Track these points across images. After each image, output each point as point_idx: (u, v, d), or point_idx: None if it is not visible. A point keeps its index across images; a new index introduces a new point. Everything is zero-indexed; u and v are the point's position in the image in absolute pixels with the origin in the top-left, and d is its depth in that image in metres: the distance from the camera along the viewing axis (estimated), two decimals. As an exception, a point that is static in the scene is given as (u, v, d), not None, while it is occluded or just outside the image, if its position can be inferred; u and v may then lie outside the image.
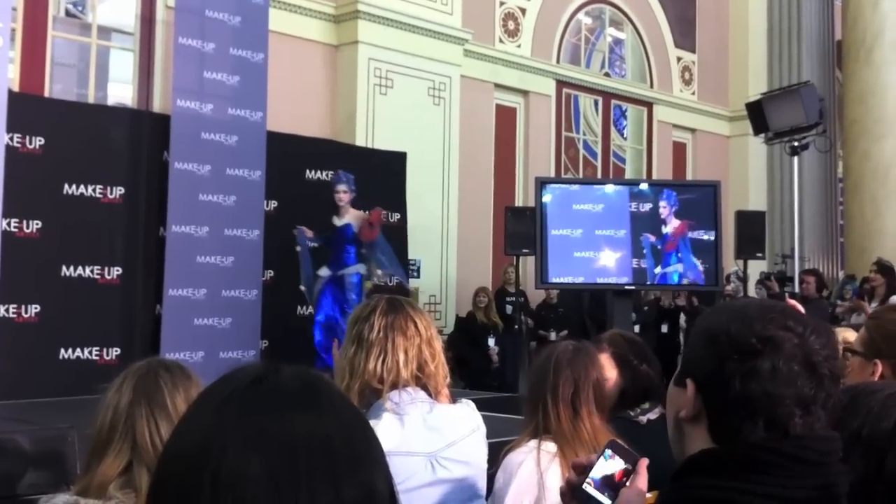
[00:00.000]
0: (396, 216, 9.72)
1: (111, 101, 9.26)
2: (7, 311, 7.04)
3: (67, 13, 9.30)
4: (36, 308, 7.23)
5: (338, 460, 0.80)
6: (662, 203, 8.33)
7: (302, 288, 8.15)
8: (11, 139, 7.15)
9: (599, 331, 8.85)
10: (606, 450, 1.38)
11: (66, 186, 7.50)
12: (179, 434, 0.85)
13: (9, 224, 7.08)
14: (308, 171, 9.06)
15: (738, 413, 1.19)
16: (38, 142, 7.38)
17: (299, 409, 0.82)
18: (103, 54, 9.39)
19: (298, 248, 8.11)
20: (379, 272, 8.14)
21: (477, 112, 11.58)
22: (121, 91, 9.34)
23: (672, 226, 8.30)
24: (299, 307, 8.80)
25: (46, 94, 8.39)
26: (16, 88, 7.91)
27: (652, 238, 8.29)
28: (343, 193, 7.97)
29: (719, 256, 8.21)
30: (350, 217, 7.95)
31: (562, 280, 8.36)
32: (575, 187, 9.15)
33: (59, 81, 8.88)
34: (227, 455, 0.78)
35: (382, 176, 9.63)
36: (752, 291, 10.56)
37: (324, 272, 7.97)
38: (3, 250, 6.85)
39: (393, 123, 10.19)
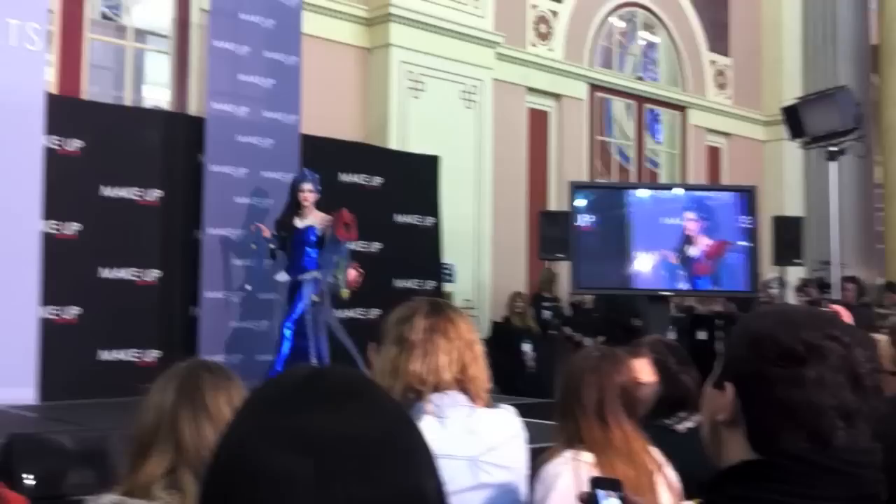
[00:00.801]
0: (430, 220, 9.72)
1: (147, 104, 9.35)
2: (47, 312, 7.10)
3: (103, 16, 9.40)
4: (75, 310, 7.30)
5: (386, 461, 0.80)
6: (690, 215, 8.11)
7: (247, 287, 7.85)
8: (49, 141, 7.23)
9: (626, 335, 8.82)
10: (595, 491, 1.36)
11: (104, 188, 7.57)
12: (228, 435, 0.85)
13: (48, 225, 7.16)
14: (341, 174, 9.08)
15: (778, 420, 1.17)
16: (77, 144, 7.46)
17: (348, 410, 0.82)
18: (139, 57, 9.49)
19: (254, 246, 7.77)
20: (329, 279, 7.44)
21: (509, 115, 11.57)
22: (157, 93, 9.43)
23: (701, 245, 8.07)
24: (337, 310, 8.80)
25: (84, 96, 8.48)
26: (54, 91, 8.00)
27: (672, 259, 8.06)
28: (308, 193, 7.44)
29: (756, 262, 8.14)
30: (313, 219, 7.45)
31: (599, 285, 8.31)
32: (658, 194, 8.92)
33: (96, 84, 8.98)
34: (275, 456, 0.78)
35: (415, 180, 9.66)
36: (790, 298, 10.45)
37: (282, 277, 7.55)
38: (42, 252, 6.93)
39: (425, 127, 10.20)
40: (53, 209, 7.13)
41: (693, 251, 8.14)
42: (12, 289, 6.75)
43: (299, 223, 7.41)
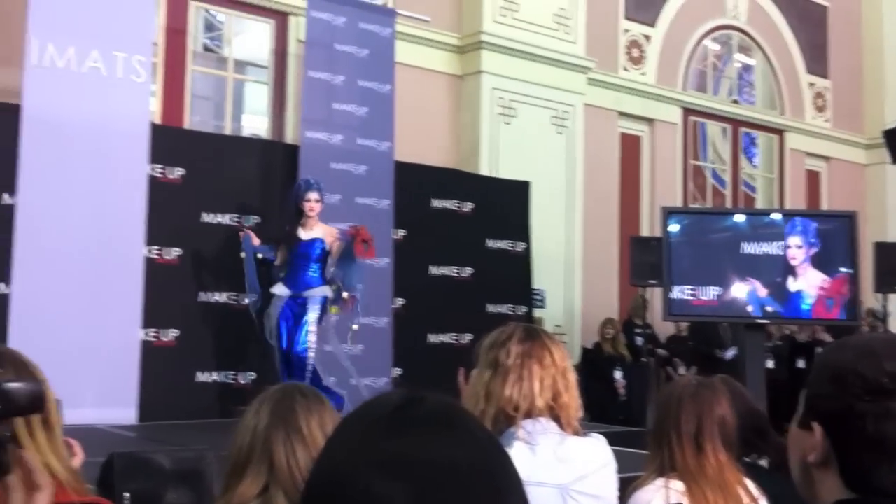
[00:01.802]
0: (522, 245, 9.71)
1: (246, 132, 9.60)
2: (147, 334, 7.31)
3: (205, 48, 9.71)
4: (175, 332, 7.48)
5: (480, 489, 0.81)
6: (796, 240, 7.60)
7: (246, 301, 7.17)
8: (153, 169, 7.47)
9: (707, 363, 8.62)
10: None
11: (205, 214, 7.77)
12: (326, 459, 0.86)
13: (150, 251, 7.38)
14: (434, 200, 9.16)
15: (872, 456, 1.14)
16: (178, 172, 7.69)
17: (444, 437, 0.83)
18: (239, 87, 9.76)
19: (243, 255, 6.99)
20: (345, 295, 6.92)
21: (601, 140, 11.50)
22: (255, 122, 9.68)
23: (813, 281, 7.43)
24: (430, 335, 8.86)
25: (186, 125, 8.76)
26: (157, 121, 8.28)
27: (761, 291, 7.57)
28: (315, 203, 6.84)
29: (857, 290, 7.87)
30: (320, 231, 6.89)
31: (691, 313, 8.13)
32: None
33: (198, 113, 9.26)
34: (374, 481, 0.79)
35: (506, 205, 9.68)
36: (893, 326, 10.09)
37: (282, 291, 6.87)
38: (145, 276, 7.16)
39: (516, 152, 10.22)
40: (155, 235, 7.36)
41: (796, 285, 7.60)
42: (116, 312, 6.99)
43: (303, 234, 6.87)
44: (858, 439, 1.15)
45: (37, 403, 1.33)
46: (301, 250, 6.84)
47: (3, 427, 1.24)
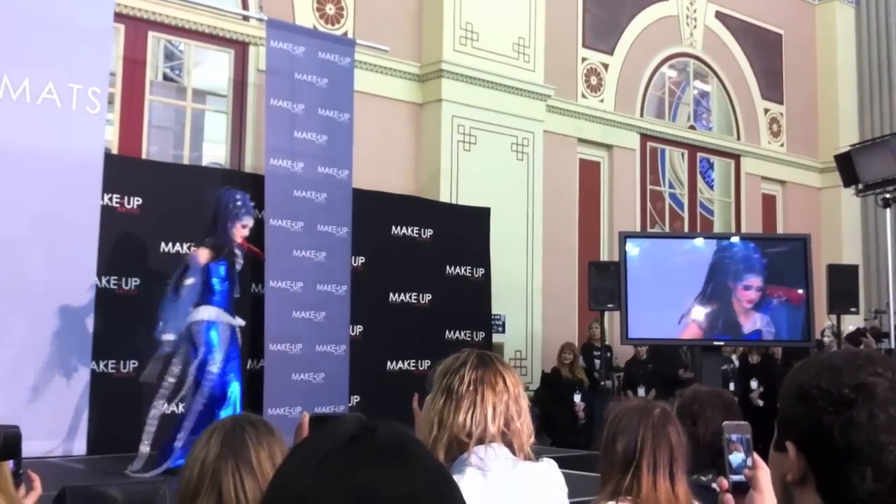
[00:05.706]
0: (481, 271, 9.75)
1: (206, 161, 9.56)
2: (106, 366, 7.23)
3: (166, 77, 9.68)
4: (133, 363, 7.41)
5: None
6: (756, 281, 7.89)
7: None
8: (110, 199, 7.41)
9: (669, 386, 8.70)
10: None
11: (163, 245, 7.72)
12: (279, 489, 0.87)
13: (108, 282, 7.32)
14: (394, 227, 9.18)
15: (845, 467, 1.18)
16: (136, 202, 7.64)
17: (397, 468, 0.85)
18: (198, 117, 9.73)
19: (191, 281, 6.29)
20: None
21: (560, 167, 11.61)
22: (215, 151, 9.65)
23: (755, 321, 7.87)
24: (389, 362, 8.84)
25: (144, 155, 8.71)
26: (115, 150, 8.23)
27: (716, 314, 7.90)
28: (248, 230, 6.54)
29: (810, 311, 8.00)
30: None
31: (647, 336, 8.22)
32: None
33: (156, 143, 9.21)
34: None
35: (466, 232, 9.71)
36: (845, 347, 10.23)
37: (224, 316, 6.40)
38: (103, 308, 7.08)
39: (477, 179, 10.28)
40: (114, 265, 7.29)
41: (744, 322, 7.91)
42: (68, 343, 6.91)
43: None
44: (829, 452, 1.19)
45: (10, 448, 1.29)
46: (234, 271, 6.45)
47: None
